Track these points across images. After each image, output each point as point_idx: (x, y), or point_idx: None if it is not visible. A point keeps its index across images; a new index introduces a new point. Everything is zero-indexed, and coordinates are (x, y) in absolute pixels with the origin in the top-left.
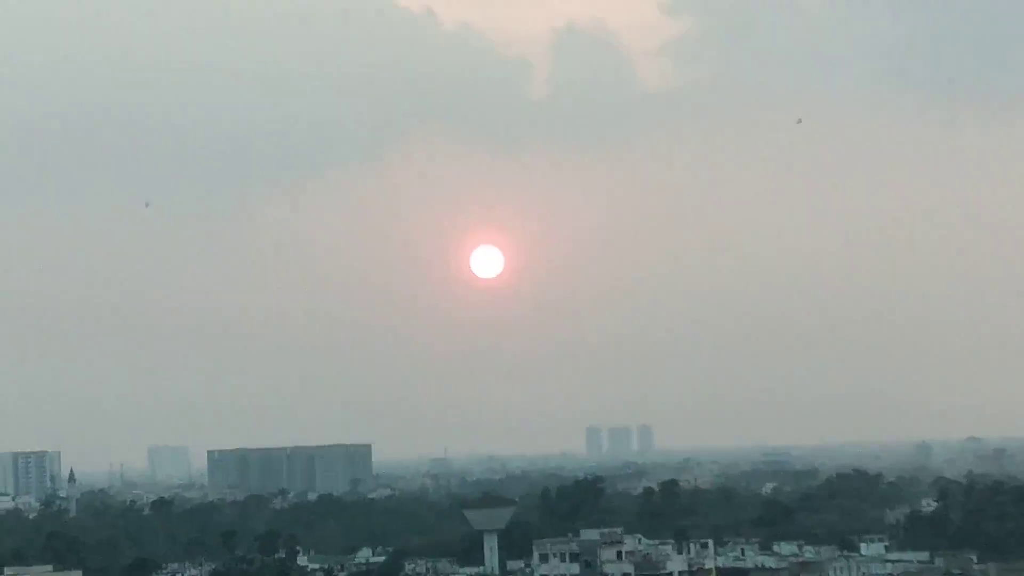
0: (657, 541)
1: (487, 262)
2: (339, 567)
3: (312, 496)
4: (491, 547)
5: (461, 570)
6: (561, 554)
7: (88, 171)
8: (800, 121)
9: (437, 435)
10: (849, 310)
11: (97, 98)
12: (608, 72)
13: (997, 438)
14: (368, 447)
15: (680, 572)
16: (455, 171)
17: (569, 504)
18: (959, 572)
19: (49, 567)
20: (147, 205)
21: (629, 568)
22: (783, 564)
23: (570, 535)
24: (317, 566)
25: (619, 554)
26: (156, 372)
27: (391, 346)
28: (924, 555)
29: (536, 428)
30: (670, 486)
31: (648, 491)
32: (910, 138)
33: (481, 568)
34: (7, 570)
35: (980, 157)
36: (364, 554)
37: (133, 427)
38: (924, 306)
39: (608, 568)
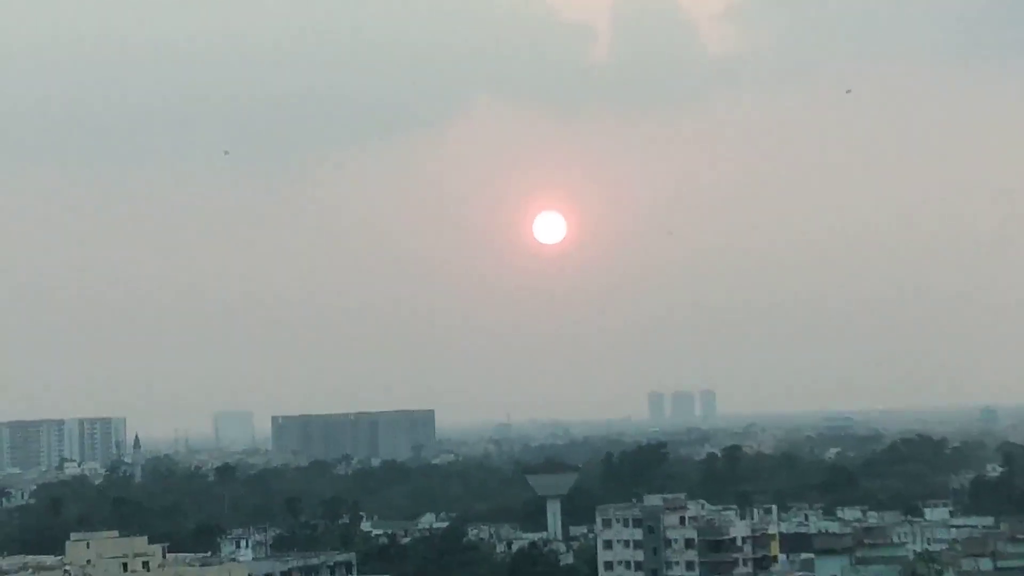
0: (720, 506)
1: (550, 228)
2: (403, 532)
3: (375, 462)
4: (554, 512)
5: (524, 535)
6: (624, 519)
7: (152, 139)
8: (849, 91)
9: (500, 401)
10: (912, 276)
11: (145, 73)
12: (670, 37)
13: None
14: (431, 413)
15: (744, 538)
16: (517, 138)
17: (632, 469)
18: None
19: (115, 533)
20: (225, 153)
21: (692, 533)
22: (847, 529)
23: (633, 500)
24: (381, 531)
25: (682, 519)
26: (221, 339)
27: (454, 313)
28: (989, 520)
29: (599, 394)
30: (733, 451)
31: (711, 456)
32: (972, 108)
33: (544, 533)
34: (73, 535)
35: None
36: (427, 519)
37: (198, 393)
38: (988, 272)
39: (671, 534)
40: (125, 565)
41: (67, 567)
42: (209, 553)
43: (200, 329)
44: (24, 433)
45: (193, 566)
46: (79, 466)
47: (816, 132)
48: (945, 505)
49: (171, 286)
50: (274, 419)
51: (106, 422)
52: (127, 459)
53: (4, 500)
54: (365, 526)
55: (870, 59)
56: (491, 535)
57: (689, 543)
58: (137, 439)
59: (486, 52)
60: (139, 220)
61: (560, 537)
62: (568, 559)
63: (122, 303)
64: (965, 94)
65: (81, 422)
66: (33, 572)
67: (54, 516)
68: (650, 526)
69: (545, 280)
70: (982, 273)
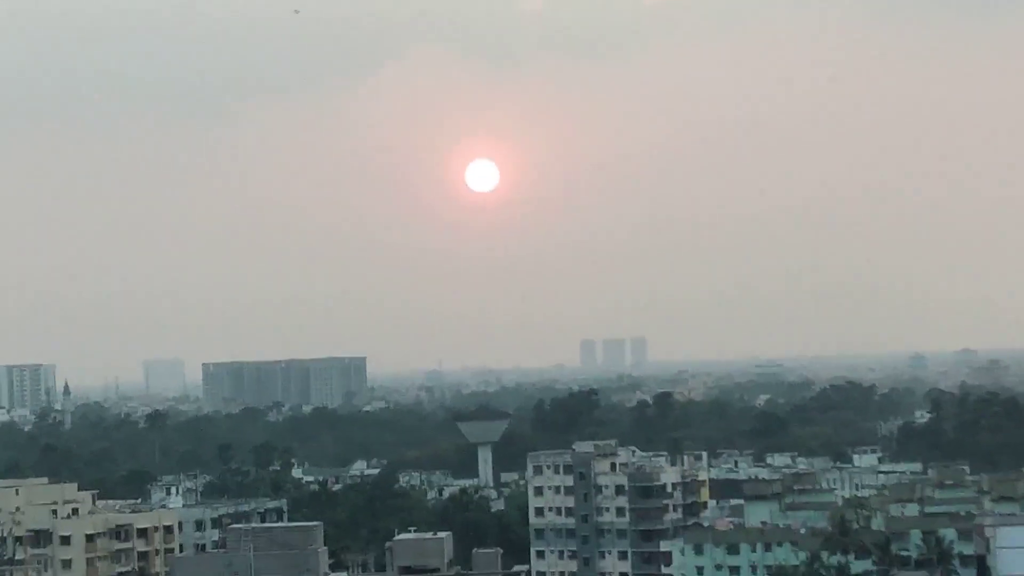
0: (651, 453)
1: (483, 176)
2: (334, 479)
3: (307, 409)
4: (485, 459)
5: (456, 482)
6: (555, 466)
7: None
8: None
9: (432, 348)
10: (841, 222)
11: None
12: None
13: (991, 349)
14: (363, 360)
15: (674, 484)
16: (449, 85)
17: (563, 416)
18: (951, 483)
19: (44, 479)
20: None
21: (623, 480)
22: (776, 476)
23: (564, 448)
24: (312, 478)
25: (613, 466)
26: (150, 284)
27: (386, 260)
28: (917, 466)
29: (530, 341)
30: (664, 398)
31: (642, 403)
32: (911, 51)
33: (475, 480)
34: (2, 482)
35: (962, 64)
36: (359, 466)
37: (128, 340)
38: (916, 218)
39: (602, 480)
40: (55, 511)
41: None
42: (139, 500)
43: (131, 277)
44: None
45: (123, 512)
46: (8, 413)
47: (750, 80)
48: (874, 451)
49: (102, 235)
50: (205, 366)
51: (35, 369)
52: (57, 406)
53: None
54: (296, 473)
55: (806, 5)
56: (422, 482)
57: (620, 490)
58: (67, 386)
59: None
60: (71, 172)
61: (491, 484)
62: (499, 505)
63: (52, 250)
64: (897, 46)
65: (10, 369)
66: None
67: None
68: (581, 473)
69: (477, 228)
70: (911, 220)
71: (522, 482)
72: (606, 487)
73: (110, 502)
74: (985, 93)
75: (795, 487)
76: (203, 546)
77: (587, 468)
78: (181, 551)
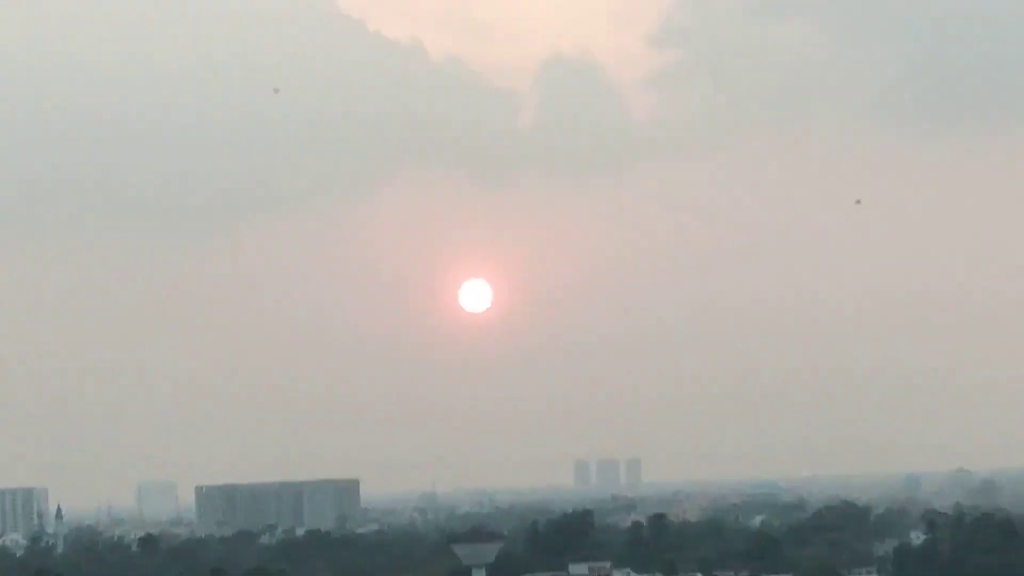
0: (646, 575)
1: (476, 296)
2: None
3: (300, 532)
4: None
5: None
6: None
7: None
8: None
9: (425, 470)
10: (834, 344)
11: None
12: (595, 103)
13: (986, 470)
14: (356, 482)
15: None
16: (442, 204)
17: (558, 538)
18: None
19: None
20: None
21: None
22: None
23: (559, 569)
24: None
25: None
26: (144, 408)
27: (379, 381)
28: None
29: (524, 462)
30: (659, 519)
31: (637, 524)
32: (896, 170)
33: None
34: None
35: (967, 191)
36: None
37: (121, 463)
38: (911, 340)
39: None
40: None
41: None
42: None
43: (122, 399)
44: None
45: None
46: (0, 537)
47: (738, 200)
48: (870, 572)
49: (92, 356)
50: (198, 489)
51: (28, 492)
52: (49, 530)
53: None
54: None
55: (793, 126)
56: None
57: None
58: (59, 510)
59: (413, 118)
60: (55, 289)
61: None
62: None
63: (41, 373)
64: (891, 161)
65: (2, 492)
66: None
67: None
68: None
69: (471, 348)
70: (906, 341)
71: None
72: None
73: None
74: (986, 223)
75: None
76: None
77: None
78: None
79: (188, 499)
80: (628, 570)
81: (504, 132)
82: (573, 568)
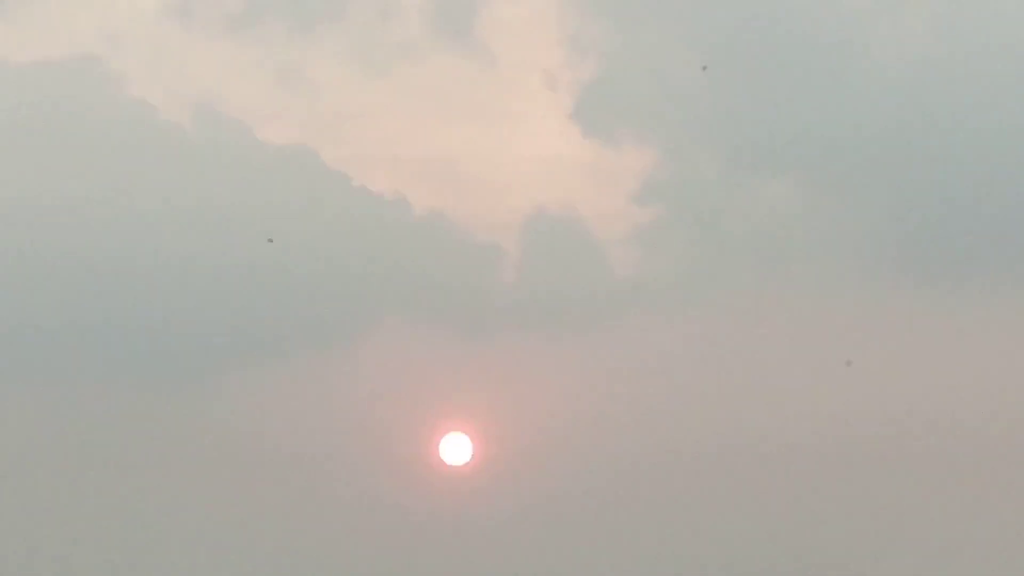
0: None
1: (456, 450)
2: None
3: None
4: None
5: None
6: None
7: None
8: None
9: None
10: (822, 496)
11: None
12: (578, 258)
13: None
14: None
15: None
16: (423, 359)
17: None
18: None
19: None
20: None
21: None
22: None
23: None
24: None
25: None
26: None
27: (358, 534)
28: None
29: None
30: None
31: None
32: (881, 326)
33: None
34: None
35: (952, 349)
36: None
37: None
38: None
39: None
40: None
41: None
42: None
43: (118, 555)
44: None
45: None
46: None
47: (723, 354)
48: None
49: (87, 524)
50: None
51: None
52: None
53: None
54: None
55: (775, 281)
56: None
57: None
58: None
59: (395, 270)
60: (45, 450)
61: None
62: None
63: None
64: (871, 316)
65: None
66: None
67: None
68: None
69: (451, 503)
70: (874, 483)
71: None
72: None
73: None
74: (969, 381)
75: None
76: None
77: None
78: None
79: None
80: None
81: (487, 286)
82: None
